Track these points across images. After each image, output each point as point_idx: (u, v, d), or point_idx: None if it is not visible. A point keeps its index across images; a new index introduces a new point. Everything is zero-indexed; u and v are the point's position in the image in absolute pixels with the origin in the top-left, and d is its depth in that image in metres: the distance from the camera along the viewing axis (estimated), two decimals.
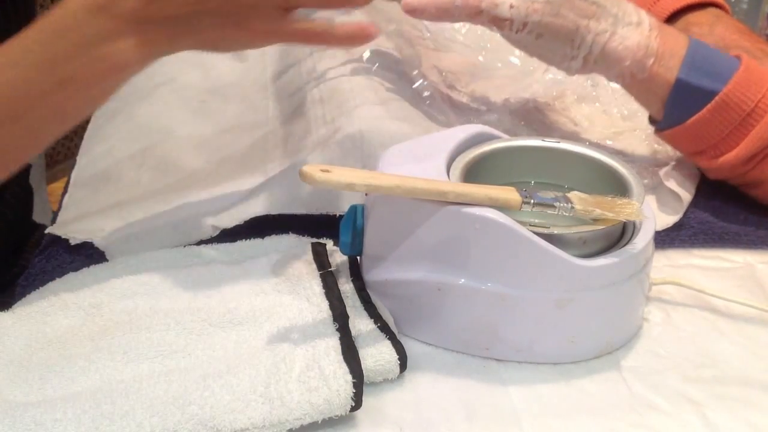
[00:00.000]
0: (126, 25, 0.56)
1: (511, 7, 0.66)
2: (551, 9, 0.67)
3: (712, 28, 0.86)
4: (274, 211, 0.65)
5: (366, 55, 0.78)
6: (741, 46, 0.82)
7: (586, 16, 0.67)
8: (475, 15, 0.68)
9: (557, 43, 0.68)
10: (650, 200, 0.71)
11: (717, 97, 0.66)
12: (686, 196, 0.71)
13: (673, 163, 0.75)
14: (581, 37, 0.67)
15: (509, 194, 0.54)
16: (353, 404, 0.49)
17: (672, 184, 0.72)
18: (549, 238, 0.52)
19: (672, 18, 0.90)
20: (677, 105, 0.68)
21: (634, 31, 0.68)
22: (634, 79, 0.69)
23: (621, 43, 0.67)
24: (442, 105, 0.77)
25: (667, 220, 0.69)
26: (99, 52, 0.56)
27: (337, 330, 0.53)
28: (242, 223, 0.64)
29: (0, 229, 0.87)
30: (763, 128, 0.67)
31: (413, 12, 0.68)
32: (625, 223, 0.56)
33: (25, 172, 0.97)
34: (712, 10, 0.83)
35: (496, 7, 0.66)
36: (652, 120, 0.73)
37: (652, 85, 0.68)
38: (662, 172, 0.72)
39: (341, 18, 0.78)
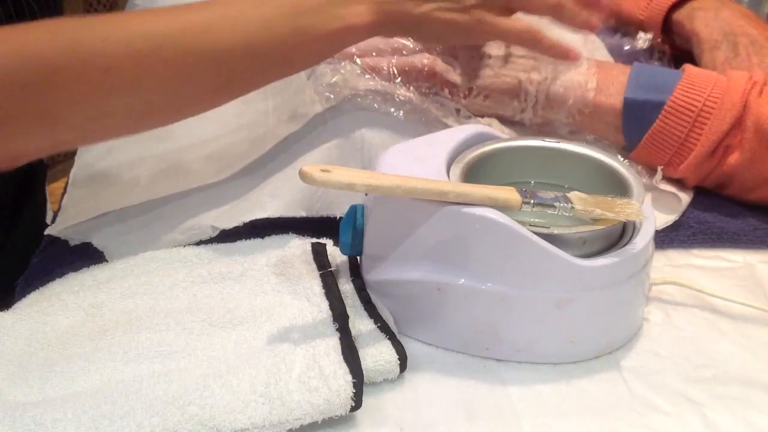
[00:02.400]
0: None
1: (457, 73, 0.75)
2: (492, 72, 0.75)
3: (718, 13, 0.86)
4: (274, 212, 0.65)
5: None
6: (747, 32, 0.83)
7: (525, 70, 0.75)
8: (431, 77, 0.76)
9: (505, 100, 0.75)
10: (649, 199, 0.71)
11: (666, 106, 0.70)
12: (684, 196, 0.71)
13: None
14: (524, 90, 0.74)
15: (509, 194, 0.54)
16: (353, 404, 0.49)
17: (667, 185, 0.72)
18: (549, 238, 0.52)
19: (677, 5, 0.90)
20: (632, 124, 0.72)
21: (573, 72, 0.74)
22: (583, 115, 0.74)
23: (561, 86, 0.74)
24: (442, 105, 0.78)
25: (667, 218, 0.69)
26: (338, 10, 0.63)
27: (337, 330, 0.53)
28: (242, 224, 0.64)
29: (21, 238, 0.89)
30: (715, 123, 0.69)
31: (376, 71, 0.75)
32: (625, 223, 0.56)
33: (43, 177, 0.98)
34: None
35: (447, 72, 0.75)
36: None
37: (602, 114, 0.74)
38: (657, 175, 0.72)
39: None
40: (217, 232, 0.65)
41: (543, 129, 0.78)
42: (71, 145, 0.63)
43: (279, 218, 0.65)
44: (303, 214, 0.65)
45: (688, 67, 0.73)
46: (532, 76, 0.74)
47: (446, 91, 0.79)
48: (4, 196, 0.88)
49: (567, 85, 0.73)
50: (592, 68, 0.74)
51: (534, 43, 0.72)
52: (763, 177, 0.70)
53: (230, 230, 0.65)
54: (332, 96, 0.75)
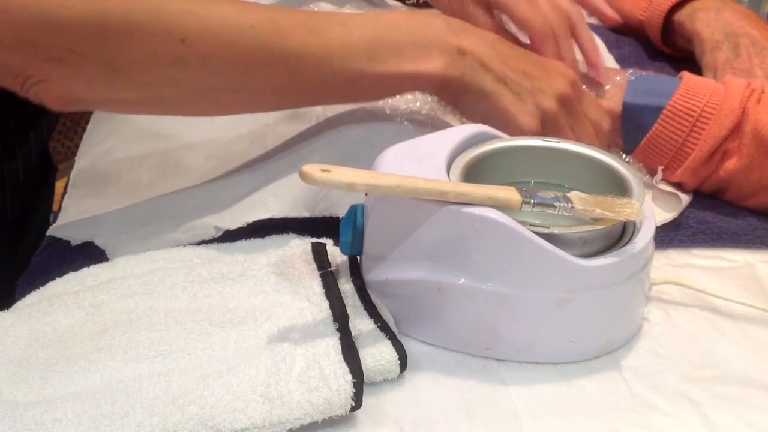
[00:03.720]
0: (449, 50, 0.65)
1: None
2: None
3: (719, 13, 0.87)
4: (277, 212, 0.65)
5: None
6: (748, 33, 0.83)
7: None
8: None
9: None
10: (649, 197, 0.72)
11: (665, 110, 0.71)
12: (684, 195, 0.71)
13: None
14: None
15: (509, 194, 0.54)
16: (353, 404, 0.49)
17: (666, 186, 0.72)
18: (549, 238, 0.52)
19: (678, 5, 0.90)
20: (630, 128, 0.73)
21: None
22: None
23: None
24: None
25: (666, 215, 0.69)
26: (417, 55, 0.65)
27: (337, 330, 0.53)
28: (245, 225, 0.64)
29: (30, 242, 0.89)
30: (713, 128, 0.69)
31: None
32: (625, 223, 0.56)
33: (53, 181, 0.98)
34: None
35: None
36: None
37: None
38: (657, 175, 0.72)
39: None
40: (220, 233, 0.65)
41: None
42: (128, 106, 0.64)
43: (282, 219, 0.65)
44: (306, 214, 0.65)
45: (686, 75, 0.74)
46: None
47: None
48: (16, 201, 0.89)
49: None
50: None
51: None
52: (761, 183, 0.70)
53: (233, 230, 0.65)
54: None
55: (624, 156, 0.74)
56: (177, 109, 0.67)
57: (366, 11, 0.72)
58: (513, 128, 0.66)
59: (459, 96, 0.68)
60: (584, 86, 0.73)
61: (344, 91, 0.66)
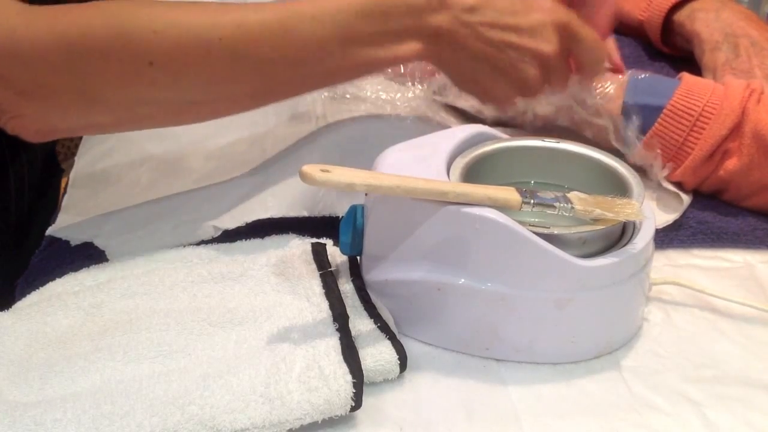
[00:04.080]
0: (426, 32, 0.63)
1: None
2: None
3: (719, 13, 0.87)
4: (276, 212, 0.65)
5: None
6: (748, 33, 0.83)
7: None
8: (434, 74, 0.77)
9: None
10: (650, 198, 0.72)
11: (665, 109, 0.71)
12: (685, 196, 0.71)
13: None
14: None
15: (509, 194, 0.54)
16: (353, 404, 0.49)
17: (667, 183, 0.72)
18: (549, 238, 0.52)
19: (678, 6, 0.90)
20: (631, 127, 0.72)
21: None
22: (583, 118, 0.74)
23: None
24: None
25: (667, 217, 0.69)
26: (392, 43, 0.63)
27: (337, 330, 0.53)
28: (244, 225, 0.64)
29: (33, 242, 0.89)
30: (714, 127, 0.69)
31: None
32: (625, 223, 0.56)
33: (58, 183, 0.98)
34: None
35: None
36: None
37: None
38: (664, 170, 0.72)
39: None
40: (218, 233, 0.65)
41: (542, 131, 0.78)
42: (105, 129, 0.64)
43: (281, 218, 0.65)
44: (305, 214, 0.65)
45: (685, 75, 0.74)
46: None
47: (450, 94, 0.79)
48: (21, 203, 0.89)
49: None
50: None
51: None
52: (760, 183, 0.70)
53: (232, 230, 0.65)
54: (333, 95, 0.76)
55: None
56: (157, 125, 0.67)
57: None
58: (492, 102, 0.67)
59: (440, 69, 0.68)
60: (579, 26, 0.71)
61: (320, 83, 0.66)
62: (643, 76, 0.75)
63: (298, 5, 0.62)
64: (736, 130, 0.69)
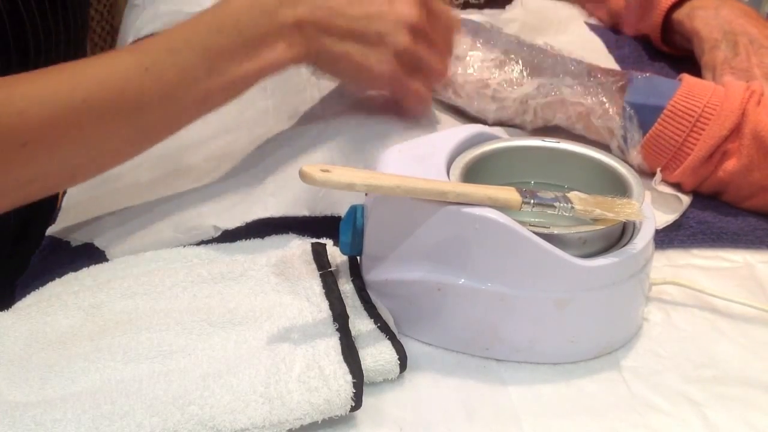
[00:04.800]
0: (285, 30, 0.63)
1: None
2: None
3: (718, 11, 0.87)
4: (274, 211, 0.65)
5: None
6: (747, 31, 0.83)
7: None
8: None
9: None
10: (649, 199, 0.72)
11: (665, 110, 0.71)
12: (685, 196, 0.71)
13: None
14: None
15: (509, 194, 0.54)
16: (353, 404, 0.49)
17: (666, 188, 0.72)
18: (549, 238, 0.52)
19: (677, 4, 0.90)
20: (631, 127, 0.73)
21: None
22: (583, 118, 0.75)
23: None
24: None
25: (667, 218, 0.69)
26: (255, 51, 0.62)
27: (337, 330, 0.53)
28: (244, 224, 0.64)
29: (31, 242, 0.89)
30: (713, 128, 0.69)
31: None
32: (624, 223, 0.56)
33: None
34: None
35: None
36: None
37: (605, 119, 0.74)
38: (657, 177, 0.72)
39: None
40: (219, 233, 0.65)
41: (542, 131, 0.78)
42: (7, 209, 0.62)
43: (281, 218, 0.65)
44: (305, 213, 0.65)
45: (685, 76, 0.74)
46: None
47: (450, 90, 0.79)
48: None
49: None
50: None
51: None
52: (760, 185, 0.70)
53: (232, 230, 0.65)
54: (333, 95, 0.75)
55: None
56: (50, 192, 0.64)
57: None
58: (373, 81, 0.67)
59: (316, 65, 0.68)
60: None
61: (197, 112, 0.65)
62: (643, 76, 0.75)
63: (150, 43, 0.62)
64: (735, 131, 0.69)
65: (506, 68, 0.78)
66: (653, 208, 0.70)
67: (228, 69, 0.62)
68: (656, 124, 0.71)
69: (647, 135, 0.72)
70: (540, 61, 0.78)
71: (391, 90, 0.71)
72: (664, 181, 0.73)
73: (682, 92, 0.71)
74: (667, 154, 0.71)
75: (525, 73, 0.77)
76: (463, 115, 0.80)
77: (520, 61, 0.78)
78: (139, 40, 0.96)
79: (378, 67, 0.66)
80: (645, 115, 0.72)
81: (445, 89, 0.80)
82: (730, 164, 0.70)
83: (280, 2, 0.63)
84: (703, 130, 0.69)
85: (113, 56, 0.62)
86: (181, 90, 0.61)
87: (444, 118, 0.75)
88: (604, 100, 0.74)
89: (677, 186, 0.73)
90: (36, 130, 0.57)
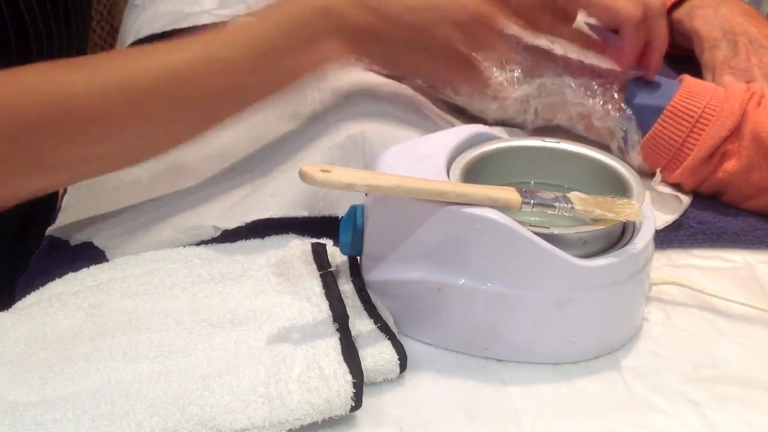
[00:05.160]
0: (341, 30, 0.66)
1: None
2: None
3: (717, 10, 0.87)
4: (276, 212, 0.65)
5: None
6: (747, 31, 0.83)
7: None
8: None
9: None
10: (649, 199, 0.72)
11: (665, 110, 0.71)
12: (684, 197, 0.71)
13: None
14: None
15: (509, 194, 0.54)
16: (353, 404, 0.49)
17: (666, 188, 0.72)
18: (549, 238, 0.52)
19: (677, 4, 0.90)
20: (631, 127, 0.72)
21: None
22: (584, 117, 0.74)
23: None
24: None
25: (667, 218, 0.69)
26: (310, 49, 0.65)
27: (337, 330, 0.53)
28: (244, 224, 0.64)
29: (31, 242, 0.90)
30: (713, 129, 0.69)
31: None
32: (625, 223, 0.56)
33: None
34: None
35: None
36: None
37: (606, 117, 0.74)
38: (656, 178, 0.72)
39: None
40: (219, 233, 0.65)
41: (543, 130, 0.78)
42: (61, 186, 0.65)
43: (281, 218, 0.65)
44: (305, 213, 0.65)
45: (686, 77, 0.74)
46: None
47: (448, 89, 0.79)
48: (21, 207, 0.89)
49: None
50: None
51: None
52: (759, 186, 0.70)
53: (232, 230, 0.65)
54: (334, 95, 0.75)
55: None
56: (108, 171, 0.67)
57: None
58: (442, 82, 0.70)
59: (372, 63, 0.71)
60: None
61: (253, 101, 0.67)
62: (643, 76, 0.75)
63: (214, 35, 0.64)
64: (735, 131, 0.69)
65: (507, 67, 0.78)
66: (653, 208, 0.70)
67: (285, 63, 0.65)
68: (656, 125, 0.71)
69: (647, 135, 0.72)
70: (541, 61, 0.78)
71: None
72: (664, 181, 0.73)
73: (682, 93, 0.71)
74: (667, 154, 0.71)
75: (526, 73, 0.77)
76: (464, 114, 0.80)
77: (521, 61, 0.78)
78: (149, 38, 0.97)
79: (445, 74, 0.69)
80: (645, 116, 0.72)
81: (444, 88, 0.80)
82: (730, 165, 0.70)
83: (337, 2, 0.66)
84: (703, 130, 0.70)
85: (180, 45, 0.64)
86: (241, 82, 0.64)
87: (446, 120, 0.75)
88: (605, 100, 0.74)
89: (677, 186, 0.73)
90: (104, 110, 0.59)
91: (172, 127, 0.64)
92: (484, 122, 0.77)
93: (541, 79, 0.76)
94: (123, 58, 0.63)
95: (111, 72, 0.60)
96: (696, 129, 0.70)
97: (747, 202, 0.71)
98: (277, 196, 0.66)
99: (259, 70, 0.64)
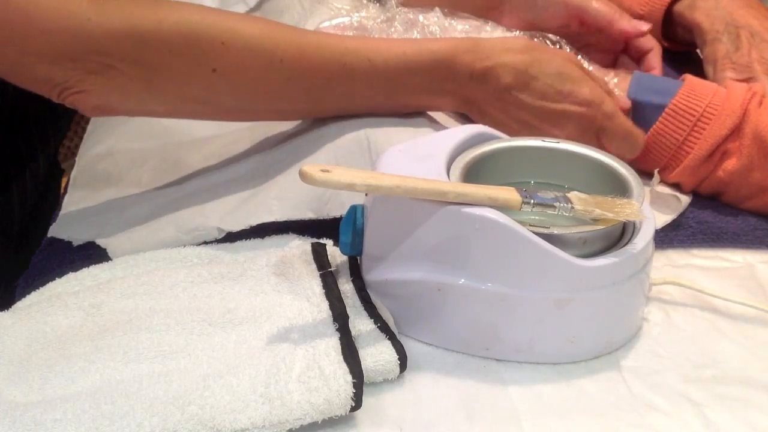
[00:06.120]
0: (461, 98, 0.70)
1: None
2: None
3: (719, 2, 0.87)
4: (280, 215, 0.65)
5: None
6: (748, 23, 0.83)
7: None
8: None
9: None
10: (648, 199, 0.71)
11: (667, 108, 0.71)
12: (684, 196, 0.71)
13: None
14: None
15: (509, 194, 0.54)
16: (353, 404, 0.49)
17: (665, 188, 0.72)
18: (549, 238, 0.52)
19: None
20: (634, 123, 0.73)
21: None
22: None
23: None
24: None
25: (666, 218, 0.69)
26: (428, 97, 0.70)
27: (337, 330, 0.53)
28: (248, 228, 0.64)
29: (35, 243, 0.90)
30: (714, 128, 0.70)
31: None
32: (625, 223, 0.56)
33: (59, 184, 0.99)
34: None
35: None
36: None
37: None
38: (654, 179, 0.72)
39: None
40: (223, 234, 0.65)
41: None
42: (158, 115, 0.69)
43: (286, 222, 0.65)
44: (311, 215, 0.65)
45: (688, 77, 0.74)
46: None
47: None
48: (24, 214, 0.90)
49: None
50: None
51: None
52: (759, 185, 0.70)
53: (236, 233, 0.65)
54: None
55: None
56: (205, 119, 0.72)
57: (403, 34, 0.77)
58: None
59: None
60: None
61: (357, 111, 0.70)
62: (646, 74, 0.75)
63: (356, 43, 0.68)
64: (736, 130, 0.69)
65: None
66: (652, 208, 0.70)
67: (402, 98, 0.69)
68: (658, 123, 0.71)
69: (648, 133, 0.72)
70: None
71: None
72: (663, 182, 0.73)
73: (684, 92, 0.71)
74: (668, 152, 0.71)
75: None
76: (463, 115, 0.79)
77: None
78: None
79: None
80: (647, 114, 0.72)
81: None
82: (730, 164, 0.70)
83: (470, 77, 0.68)
84: (704, 129, 0.70)
85: (320, 39, 0.67)
86: (360, 96, 0.68)
87: (444, 118, 0.75)
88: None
89: (677, 187, 0.73)
90: (229, 64, 0.63)
91: (280, 103, 0.68)
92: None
93: None
94: (259, 24, 0.66)
95: (245, 33, 0.64)
96: (697, 128, 0.70)
97: (747, 202, 0.71)
98: (281, 199, 0.66)
99: (375, 93, 0.68)
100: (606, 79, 0.76)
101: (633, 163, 0.73)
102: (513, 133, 0.66)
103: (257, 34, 0.64)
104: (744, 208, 0.72)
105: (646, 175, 0.73)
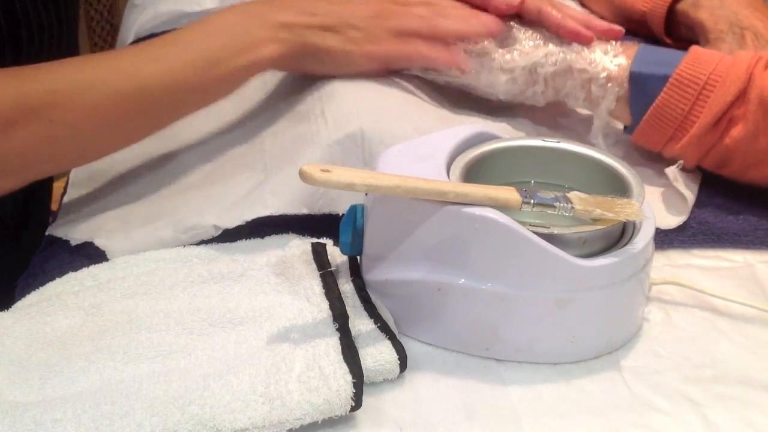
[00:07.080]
0: (275, 33, 0.70)
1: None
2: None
3: (723, 1, 0.85)
4: (274, 210, 0.65)
5: None
6: (752, 24, 0.82)
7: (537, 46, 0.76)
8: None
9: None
10: (656, 198, 0.71)
11: (671, 78, 0.70)
12: (690, 197, 0.71)
13: (681, 162, 0.74)
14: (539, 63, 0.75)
15: (509, 194, 0.54)
16: (353, 404, 0.49)
17: (680, 185, 0.71)
18: (549, 238, 0.52)
19: None
20: (637, 97, 0.72)
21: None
22: (596, 87, 0.74)
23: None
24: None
25: (671, 220, 0.69)
26: (246, 55, 0.69)
27: (337, 330, 0.53)
28: (244, 223, 0.64)
29: (28, 240, 0.90)
30: (718, 95, 0.68)
31: None
32: (625, 223, 0.56)
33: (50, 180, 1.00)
34: None
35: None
36: (626, 128, 0.76)
37: (614, 86, 0.74)
38: (669, 172, 0.72)
39: None
40: (219, 232, 0.65)
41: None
42: (13, 188, 0.66)
43: (281, 216, 0.65)
44: (305, 211, 0.65)
45: (694, 47, 0.73)
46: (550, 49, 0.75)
47: (454, 69, 0.78)
48: (16, 204, 0.89)
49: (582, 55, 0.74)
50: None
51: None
52: (765, 152, 0.69)
53: (232, 230, 0.65)
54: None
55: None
56: (58, 171, 0.71)
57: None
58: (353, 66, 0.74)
59: (309, 67, 0.74)
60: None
61: (195, 103, 0.71)
62: (650, 46, 0.74)
63: (162, 38, 0.69)
64: (741, 96, 0.68)
65: (510, 39, 0.76)
66: (660, 207, 0.70)
67: (220, 72, 0.68)
68: (662, 94, 0.70)
69: (653, 105, 0.71)
70: (545, 30, 0.77)
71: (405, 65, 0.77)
72: (668, 157, 0.72)
73: (688, 60, 0.70)
74: (674, 123, 0.70)
75: (531, 42, 0.76)
76: (468, 95, 0.79)
77: (524, 32, 0.77)
78: (149, 38, 0.98)
79: (376, 48, 0.73)
80: (651, 85, 0.71)
81: (448, 68, 0.79)
82: (737, 131, 0.68)
83: (270, 8, 0.71)
84: (709, 97, 0.68)
85: (130, 51, 0.69)
86: (169, 95, 0.67)
87: (444, 117, 0.75)
88: (609, 67, 0.73)
89: (688, 176, 0.72)
90: (63, 109, 0.63)
91: (117, 128, 0.67)
92: (495, 99, 0.76)
93: (547, 48, 0.75)
94: (81, 63, 0.67)
95: (69, 74, 0.65)
96: (702, 96, 0.69)
97: (752, 170, 0.70)
98: (276, 193, 0.66)
99: (197, 68, 0.67)
100: (608, 47, 0.75)
101: (639, 138, 0.73)
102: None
103: (84, 69, 0.65)
104: (747, 178, 0.71)
105: (647, 173, 0.73)
